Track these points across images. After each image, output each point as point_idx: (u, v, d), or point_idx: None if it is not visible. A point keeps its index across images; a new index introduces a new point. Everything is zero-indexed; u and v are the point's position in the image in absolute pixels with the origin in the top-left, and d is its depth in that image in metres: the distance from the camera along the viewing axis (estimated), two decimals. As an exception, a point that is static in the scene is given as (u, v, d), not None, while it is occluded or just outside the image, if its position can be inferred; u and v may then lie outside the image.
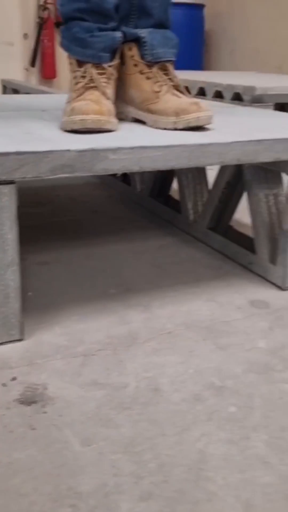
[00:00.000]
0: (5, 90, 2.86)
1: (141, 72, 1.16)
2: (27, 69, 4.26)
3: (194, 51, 4.26)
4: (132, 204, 1.77)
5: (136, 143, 0.93)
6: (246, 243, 1.30)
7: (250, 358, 0.91)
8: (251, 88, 2.23)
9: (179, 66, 4.67)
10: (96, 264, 1.29)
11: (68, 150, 0.88)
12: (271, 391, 0.82)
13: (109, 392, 0.82)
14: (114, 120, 1.07)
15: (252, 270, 1.25)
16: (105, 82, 1.13)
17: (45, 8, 4.20)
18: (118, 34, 1.13)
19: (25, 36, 4.20)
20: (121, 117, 1.23)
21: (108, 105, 1.08)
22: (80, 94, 1.10)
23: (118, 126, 1.11)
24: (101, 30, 1.14)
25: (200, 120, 1.08)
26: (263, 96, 2.24)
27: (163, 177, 1.68)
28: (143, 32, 1.15)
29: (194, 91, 2.58)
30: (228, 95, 2.36)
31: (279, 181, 1.23)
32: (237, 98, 2.31)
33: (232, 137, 1.02)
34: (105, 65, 1.13)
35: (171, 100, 1.11)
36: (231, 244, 1.34)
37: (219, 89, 2.42)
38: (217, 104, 1.71)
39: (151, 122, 1.15)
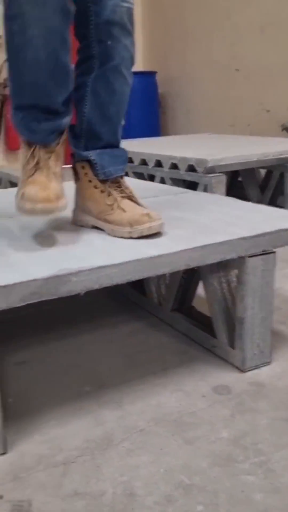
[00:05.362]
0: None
1: (95, 187, 1.28)
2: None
3: (150, 114, 4.50)
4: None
5: (95, 263, 1.04)
6: (209, 323, 1.40)
7: (215, 450, 1.00)
8: (204, 161, 2.40)
9: (138, 131, 4.82)
10: (71, 358, 1.38)
11: (35, 280, 0.98)
12: (233, 485, 0.91)
13: (88, 501, 0.90)
14: (61, 203, 1.11)
15: (215, 353, 1.36)
16: (53, 162, 1.17)
17: (5, 86, 4.42)
18: (66, 120, 1.19)
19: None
20: (82, 224, 1.35)
21: (55, 189, 1.12)
22: (30, 176, 1.15)
23: (75, 234, 1.21)
24: (48, 120, 1.17)
25: (152, 229, 1.20)
26: (214, 167, 2.41)
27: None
28: (92, 155, 1.26)
29: (152, 163, 2.74)
30: (183, 167, 2.52)
31: (230, 267, 1.35)
32: (192, 169, 2.48)
33: (181, 244, 1.14)
34: (53, 146, 1.18)
35: (124, 212, 1.23)
36: (194, 328, 1.44)
37: (174, 161, 2.59)
38: (169, 190, 1.85)
39: (108, 230, 1.26)
